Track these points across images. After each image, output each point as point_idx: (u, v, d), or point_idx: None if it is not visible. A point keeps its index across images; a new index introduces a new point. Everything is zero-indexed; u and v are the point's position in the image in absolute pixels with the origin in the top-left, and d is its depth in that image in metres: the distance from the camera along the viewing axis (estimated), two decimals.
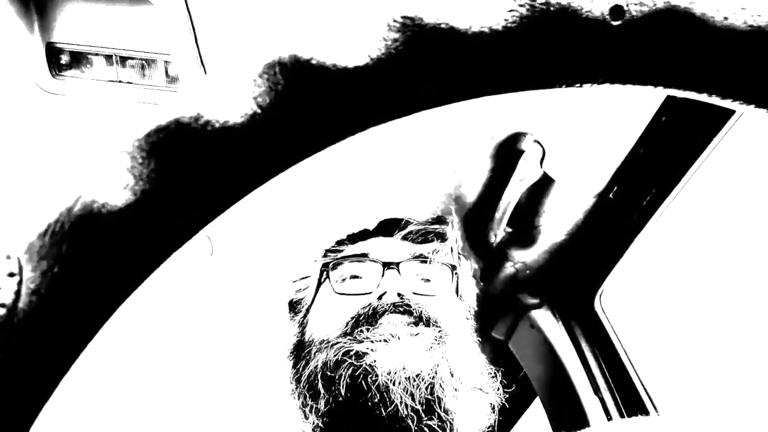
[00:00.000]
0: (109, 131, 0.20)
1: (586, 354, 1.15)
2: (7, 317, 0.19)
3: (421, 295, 0.83)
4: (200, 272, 1.30)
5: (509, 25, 0.20)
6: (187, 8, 0.85)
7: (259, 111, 0.20)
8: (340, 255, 0.94)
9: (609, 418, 1.07)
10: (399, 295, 0.81)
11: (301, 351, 0.87)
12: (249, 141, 0.20)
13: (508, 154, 1.04)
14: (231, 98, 0.20)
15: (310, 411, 0.75)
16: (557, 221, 1.11)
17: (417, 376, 0.69)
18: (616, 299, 1.17)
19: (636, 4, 0.21)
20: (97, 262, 0.20)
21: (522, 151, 1.02)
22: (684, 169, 0.93)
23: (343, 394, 0.70)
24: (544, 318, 1.22)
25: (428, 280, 0.88)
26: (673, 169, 0.94)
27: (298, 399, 0.80)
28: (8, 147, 1.00)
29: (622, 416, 1.07)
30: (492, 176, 1.09)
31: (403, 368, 0.69)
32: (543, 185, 1.06)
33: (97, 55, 0.94)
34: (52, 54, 0.91)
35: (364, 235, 0.99)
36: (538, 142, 0.99)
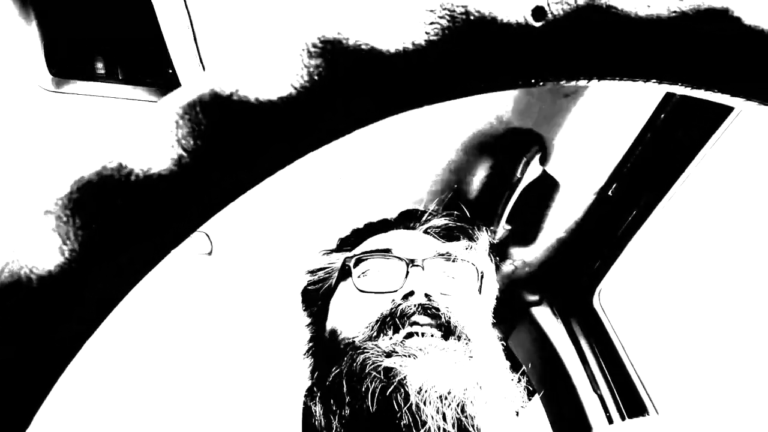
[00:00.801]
0: (44, 178, 0.20)
1: (585, 352, 1.15)
2: None
3: (447, 295, 0.80)
4: (199, 271, 1.30)
5: (432, 38, 0.20)
6: (186, 7, 0.85)
7: (184, 154, 0.19)
8: (360, 249, 0.91)
9: (608, 415, 1.08)
10: (426, 295, 0.77)
11: (321, 349, 0.84)
12: (177, 187, 0.20)
13: (507, 151, 1.04)
14: (154, 144, 0.19)
15: (334, 417, 0.73)
16: (556, 219, 1.11)
17: (449, 394, 0.66)
18: (615, 297, 1.17)
19: (557, 3, 0.21)
20: (30, 331, 0.19)
21: (522, 149, 1.02)
22: (682, 166, 0.93)
23: (372, 409, 0.67)
24: (544, 315, 1.22)
25: (453, 278, 0.85)
26: (672, 167, 0.94)
27: (320, 402, 0.77)
28: (8, 146, 1.00)
29: (620, 413, 1.07)
30: (492, 173, 1.09)
31: (434, 386, 0.66)
32: (542, 183, 1.06)
33: (96, 53, 0.94)
34: (51, 52, 0.91)
35: (383, 225, 0.96)
36: (538, 140, 1.00)
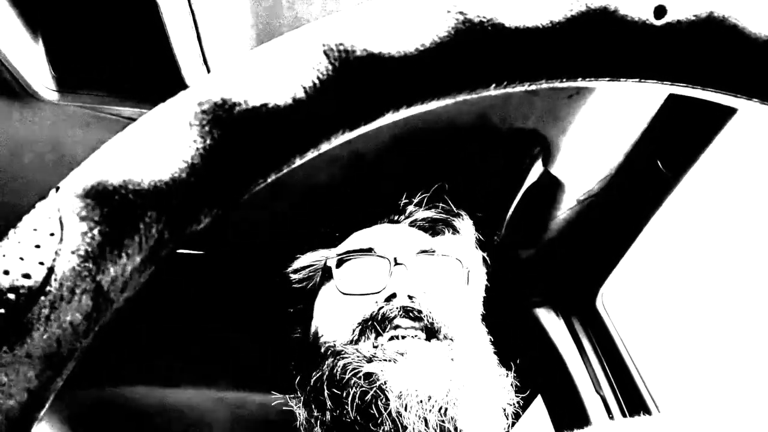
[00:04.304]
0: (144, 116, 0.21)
1: (587, 352, 1.15)
2: (46, 277, 0.19)
3: (432, 294, 0.79)
4: (192, 269, 1.28)
5: (554, 20, 0.21)
6: (191, 7, 0.85)
7: (303, 95, 0.21)
8: (343, 246, 0.89)
9: (610, 416, 1.08)
10: (409, 297, 0.76)
11: (304, 353, 0.84)
12: (292, 121, 0.21)
13: (511, 152, 1.04)
14: (276, 81, 0.21)
15: (316, 422, 0.73)
16: (560, 219, 1.11)
17: (429, 398, 0.66)
18: (618, 298, 1.17)
19: (679, 6, 0.21)
20: (133, 231, 0.20)
21: (525, 149, 1.02)
22: (686, 165, 0.93)
23: (351, 416, 0.67)
24: (546, 316, 1.22)
25: (438, 275, 0.83)
26: (676, 166, 0.94)
27: (304, 407, 0.77)
28: (8, 151, 1.00)
29: (623, 414, 1.07)
30: (495, 174, 1.09)
31: (416, 391, 0.66)
32: (545, 184, 1.06)
33: (101, 58, 0.94)
34: (55, 58, 0.91)
35: (367, 218, 0.95)
36: (542, 141, 1.00)
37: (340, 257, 0.85)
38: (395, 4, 0.21)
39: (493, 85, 0.22)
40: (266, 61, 0.21)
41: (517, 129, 1.01)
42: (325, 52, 0.20)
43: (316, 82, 0.20)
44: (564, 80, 0.22)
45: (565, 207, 1.09)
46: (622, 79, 0.23)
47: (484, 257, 0.97)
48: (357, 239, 0.90)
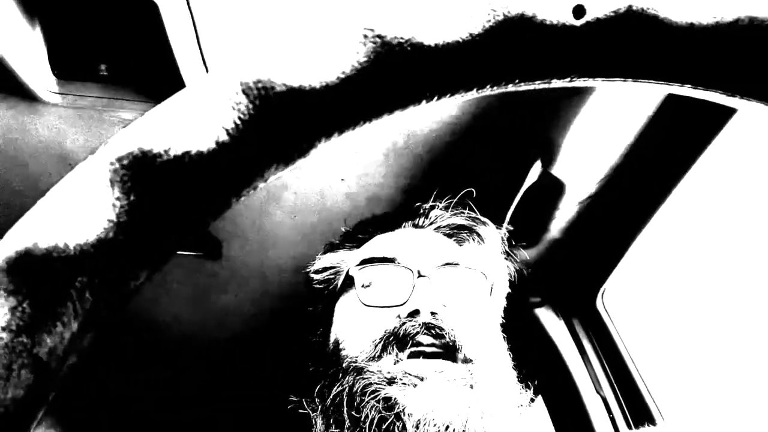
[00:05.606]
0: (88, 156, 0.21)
1: (587, 352, 1.15)
2: None
3: (454, 308, 0.78)
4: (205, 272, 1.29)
5: (473, 32, 0.21)
6: (189, 7, 0.86)
7: (227, 138, 0.20)
8: (365, 250, 0.87)
9: (611, 416, 1.07)
10: (432, 313, 0.75)
11: (324, 361, 0.83)
12: (219, 165, 0.20)
13: (512, 153, 1.03)
14: (197, 126, 0.20)
15: None
16: (560, 219, 1.11)
17: (447, 428, 0.66)
18: (618, 297, 1.16)
19: (596, 5, 0.21)
20: (65, 299, 0.19)
21: (526, 150, 1.01)
22: (686, 164, 0.92)
23: None
24: (547, 316, 1.22)
25: (461, 290, 0.81)
26: (675, 165, 0.93)
27: (322, 418, 0.76)
28: (11, 153, 1.01)
29: (623, 415, 1.06)
30: (495, 174, 1.08)
31: (433, 420, 0.66)
32: (547, 185, 1.05)
33: (100, 56, 0.95)
34: (55, 54, 0.92)
35: (390, 221, 0.93)
36: (543, 142, 0.98)
37: (362, 266, 0.84)
38: (311, 35, 0.21)
39: (424, 101, 0.22)
40: (185, 106, 0.20)
41: (517, 130, 1.00)
42: (244, 91, 0.20)
43: (238, 122, 0.20)
44: (494, 88, 0.22)
45: (566, 208, 1.08)
46: (553, 81, 0.22)
47: (507, 265, 0.95)
48: (380, 245, 0.88)
